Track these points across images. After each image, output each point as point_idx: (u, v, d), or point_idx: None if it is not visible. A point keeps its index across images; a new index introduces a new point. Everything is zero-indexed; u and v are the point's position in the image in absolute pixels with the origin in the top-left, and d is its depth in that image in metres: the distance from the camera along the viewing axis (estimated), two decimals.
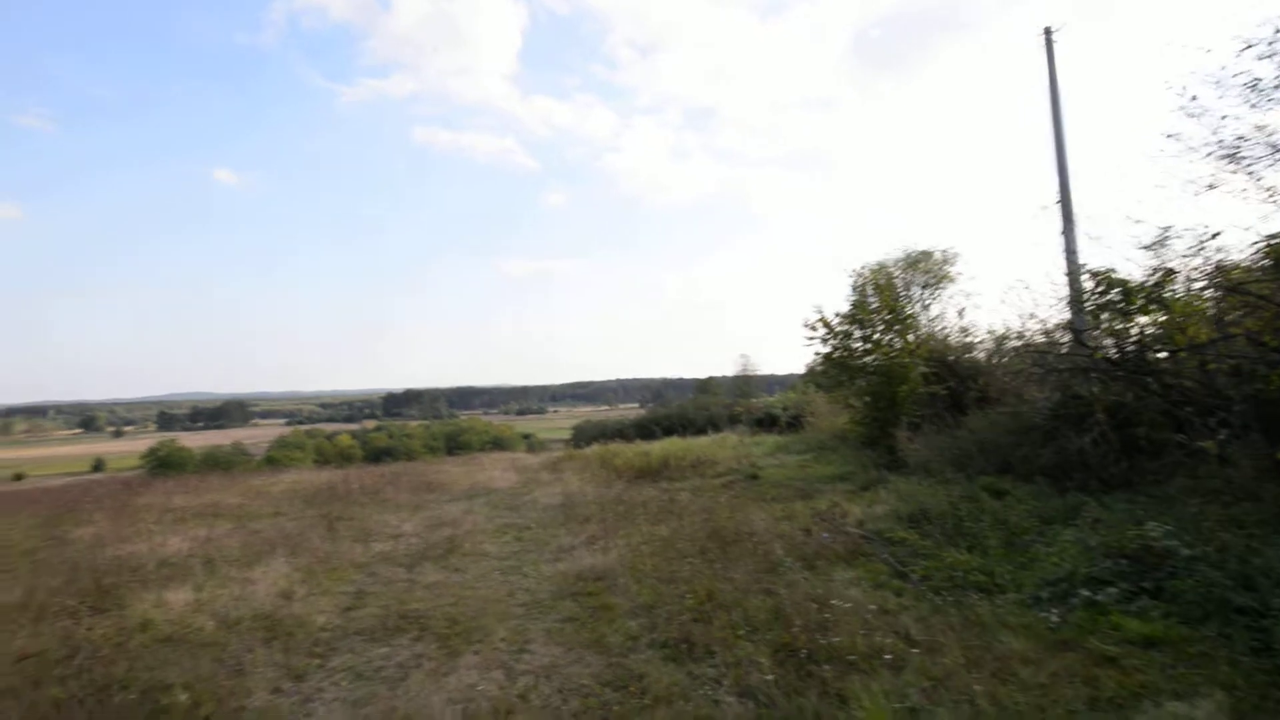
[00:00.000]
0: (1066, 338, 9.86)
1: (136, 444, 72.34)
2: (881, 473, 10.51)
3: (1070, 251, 11.24)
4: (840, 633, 4.71)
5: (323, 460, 27.86)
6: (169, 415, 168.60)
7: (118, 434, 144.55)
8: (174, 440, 34.04)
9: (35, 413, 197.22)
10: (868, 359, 12.63)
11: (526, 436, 37.44)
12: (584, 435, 28.08)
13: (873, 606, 5.23)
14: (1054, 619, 4.81)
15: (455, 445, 30.52)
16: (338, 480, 16.16)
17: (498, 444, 32.04)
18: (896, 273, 12.91)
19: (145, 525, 11.34)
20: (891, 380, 12.19)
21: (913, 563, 6.36)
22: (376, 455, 29.45)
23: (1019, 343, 11.53)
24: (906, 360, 12.10)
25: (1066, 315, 10.01)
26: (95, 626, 5.81)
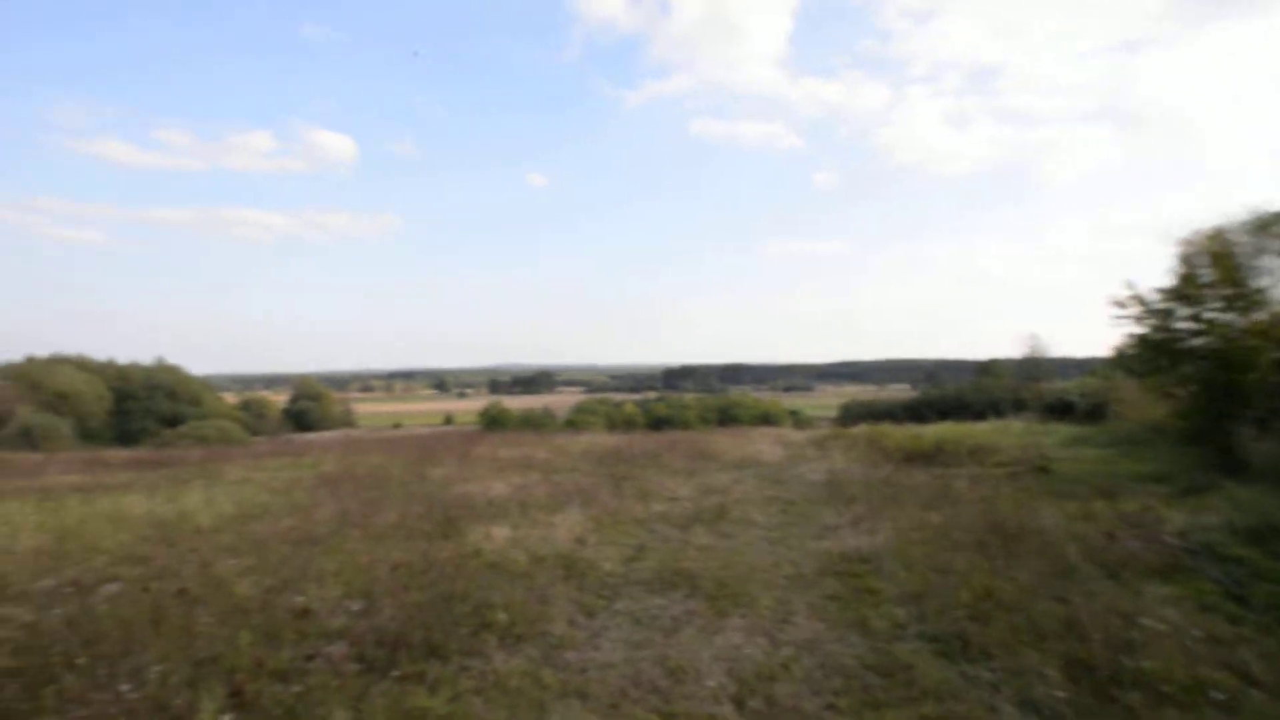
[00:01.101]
0: None
1: (473, 404, 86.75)
2: (1212, 475, 8.67)
3: None
4: (1152, 657, 4.09)
5: (611, 425, 30.72)
6: (497, 381, 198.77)
7: (461, 395, 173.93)
8: (500, 402, 40.16)
9: (408, 376, 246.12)
10: (1197, 341, 10.43)
11: (793, 413, 37.24)
12: (851, 414, 27.17)
13: (1197, 632, 4.42)
14: None
15: (726, 418, 31.53)
16: (623, 444, 17.78)
17: (765, 419, 32.36)
18: (1240, 239, 10.24)
19: (478, 471, 13.68)
20: (1230, 367, 9.91)
21: (1255, 586, 5.20)
22: (656, 423, 31.59)
23: None
24: (1253, 343, 9.73)
25: None
26: (443, 549, 7.25)
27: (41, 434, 37.27)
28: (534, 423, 32.70)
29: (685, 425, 30.05)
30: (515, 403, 50.26)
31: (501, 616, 5.16)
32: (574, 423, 31.27)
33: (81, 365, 48.50)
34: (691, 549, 7.40)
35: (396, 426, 57.85)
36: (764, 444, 17.35)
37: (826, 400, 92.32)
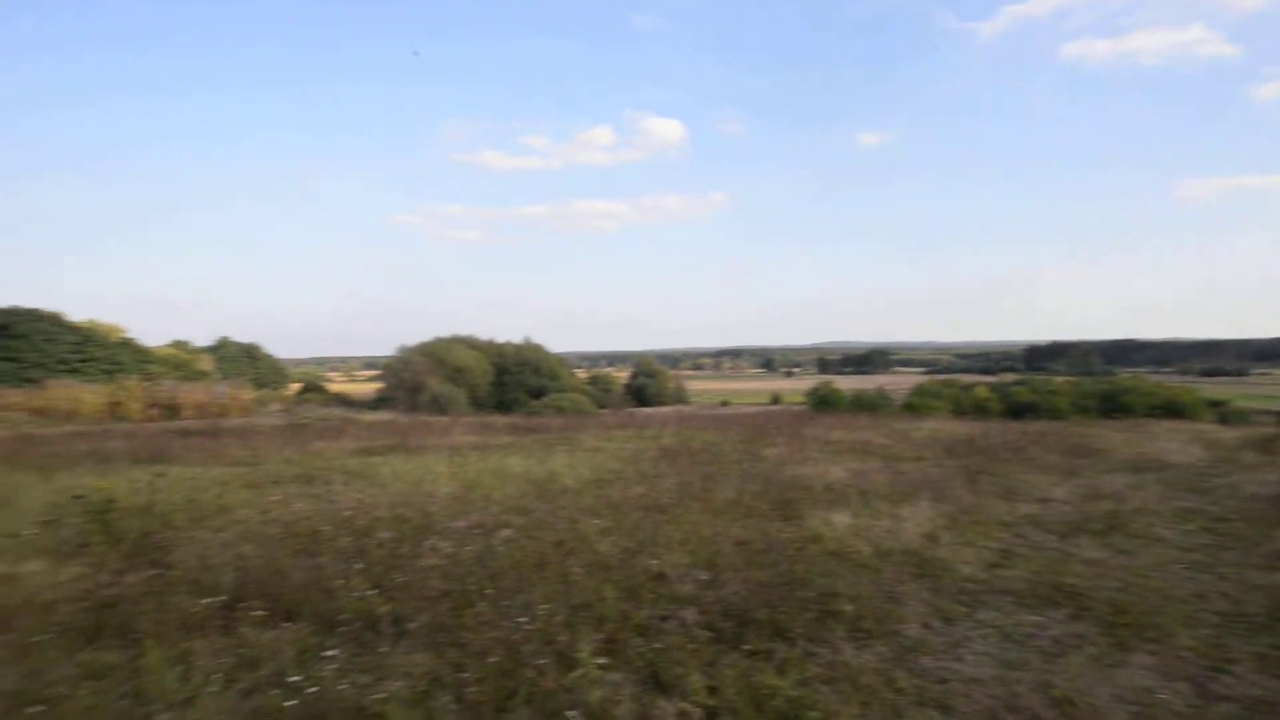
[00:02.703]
0: None
1: (800, 383, 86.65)
2: None
3: None
4: None
5: (959, 411, 27.88)
6: (826, 360, 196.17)
7: (788, 374, 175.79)
8: (829, 382, 39.23)
9: (734, 354, 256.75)
10: None
11: (1216, 404, 29.51)
12: None
13: None
14: None
15: (1112, 407, 26.24)
16: (976, 433, 15.98)
17: (1171, 409, 26.16)
18: None
19: (811, 453, 13.48)
20: None
21: None
22: (1016, 411, 27.83)
23: None
24: None
25: None
26: (782, 530, 7.20)
27: (446, 401, 46.89)
28: (867, 405, 31.30)
29: (1054, 414, 25.98)
30: (845, 382, 48.72)
31: (847, 608, 4.89)
32: (914, 406, 29.13)
33: (471, 344, 59.99)
34: (1075, 562, 6.24)
35: (724, 404, 60.42)
36: (1171, 442, 14.14)
37: (1271, 389, 72.09)
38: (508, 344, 62.35)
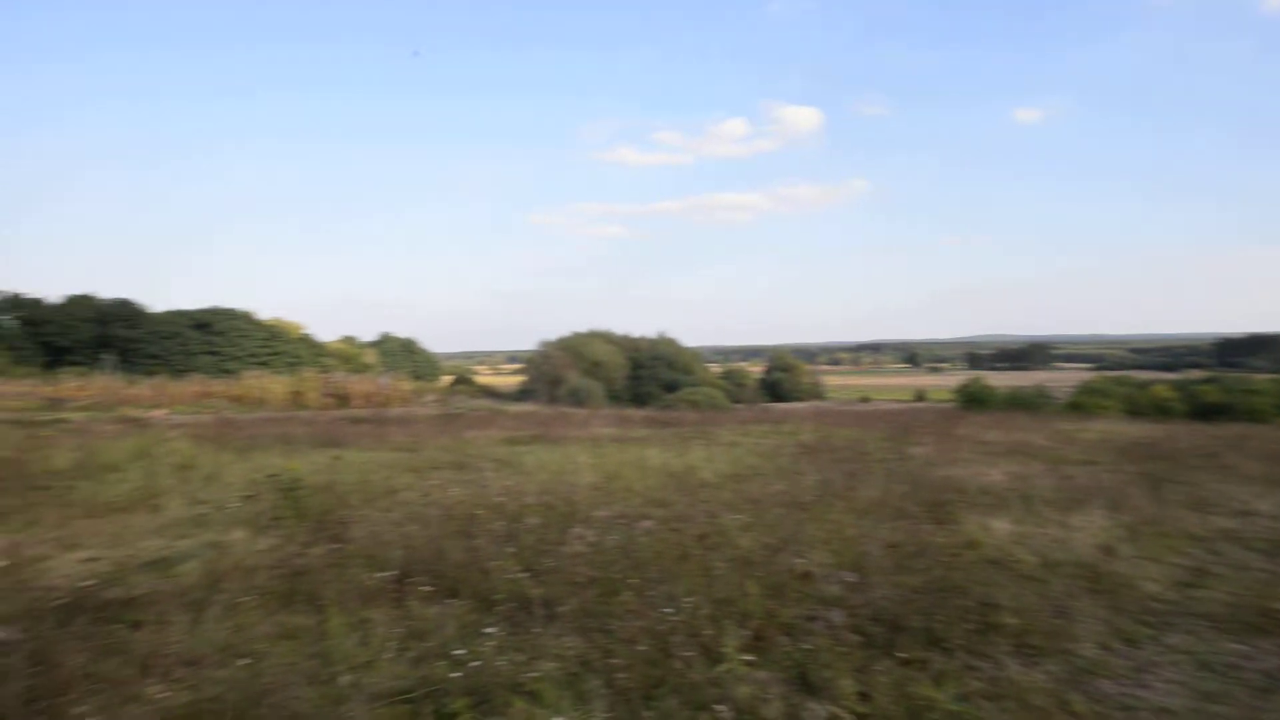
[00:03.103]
0: None
1: (947, 379, 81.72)
2: None
3: None
4: None
5: (1133, 411, 25.12)
6: (976, 354, 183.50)
7: (934, 369, 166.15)
8: (980, 378, 36.68)
9: (874, 349, 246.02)
10: None
11: None
12: None
13: None
14: None
15: None
16: (1158, 436, 14.35)
17: None
18: None
19: (963, 453, 12.67)
20: None
21: None
22: (1203, 412, 24.67)
23: None
24: None
25: None
26: (933, 534, 6.81)
27: (584, 394, 48.35)
28: (1025, 403, 28.93)
29: (1253, 416, 22.83)
30: (999, 379, 45.36)
31: (1011, 620, 4.55)
32: (1080, 405, 26.56)
33: (608, 338, 61.53)
34: None
35: (864, 401, 58.01)
36: None
37: None
38: (642, 338, 63.44)
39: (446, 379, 64.78)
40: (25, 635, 4.18)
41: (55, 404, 28.04)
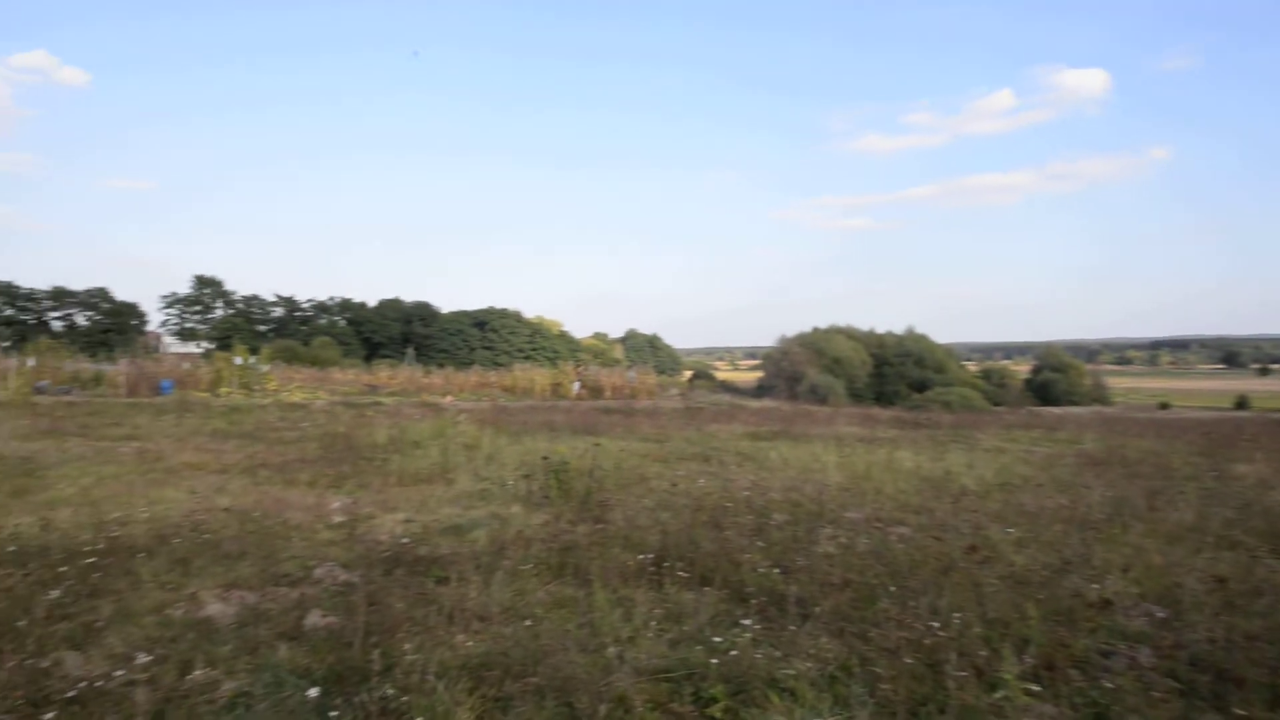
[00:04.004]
0: None
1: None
2: None
3: None
4: None
5: None
6: None
7: (1263, 371, 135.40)
8: None
9: (1178, 346, 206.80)
10: None
11: None
12: None
13: None
14: None
15: None
16: None
17: None
18: None
19: None
20: None
21: None
22: None
23: None
24: None
25: None
26: (1275, 572, 5.56)
27: (824, 391, 46.81)
28: None
29: None
30: None
31: None
32: None
33: (849, 334, 58.93)
34: None
35: (1163, 407, 48.96)
36: None
37: None
38: (888, 334, 60.11)
39: (687, 374, 67.03)
40: (362, 580, 5.13)
41: (373, 389, 34.00)
